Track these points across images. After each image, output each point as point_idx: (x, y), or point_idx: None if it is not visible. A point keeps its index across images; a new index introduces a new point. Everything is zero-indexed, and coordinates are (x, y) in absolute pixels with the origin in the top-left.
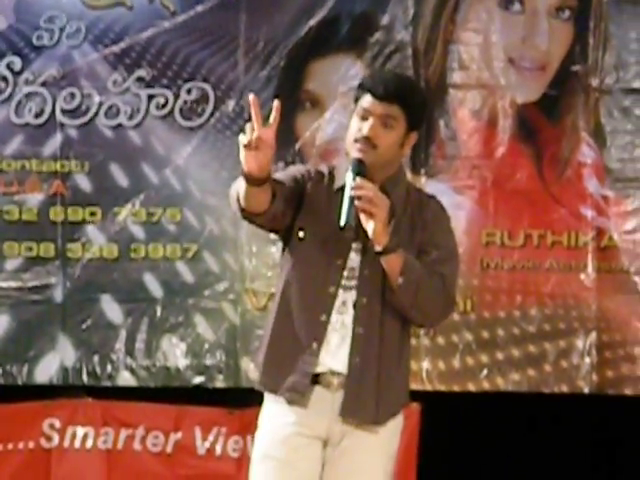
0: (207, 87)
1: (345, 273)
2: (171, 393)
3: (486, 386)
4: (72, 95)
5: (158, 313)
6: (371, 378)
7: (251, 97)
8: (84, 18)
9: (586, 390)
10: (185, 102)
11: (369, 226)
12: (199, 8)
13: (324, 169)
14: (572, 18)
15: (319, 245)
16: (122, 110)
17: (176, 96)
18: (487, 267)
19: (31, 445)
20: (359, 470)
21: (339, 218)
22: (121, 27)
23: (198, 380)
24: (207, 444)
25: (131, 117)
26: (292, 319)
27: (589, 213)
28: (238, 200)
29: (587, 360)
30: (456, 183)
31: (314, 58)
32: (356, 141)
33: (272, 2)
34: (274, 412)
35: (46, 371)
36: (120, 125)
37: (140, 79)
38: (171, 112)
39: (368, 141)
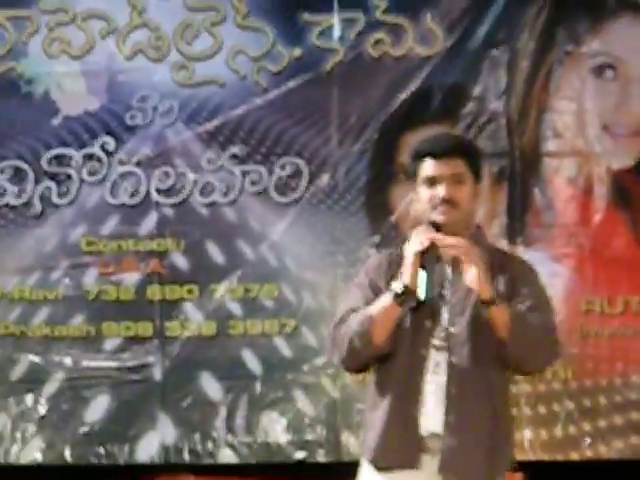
0: (301, 162)
1: (435, 333)
2: (273, 469)
3: (589, 454)
4: (166, 174)
5: (257, 389)
6: (469, 437)
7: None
8: (176, 97)
9: None
10: (279, 178)
11: (470, 275)
12: (291, 84)
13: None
14: None
15: (407, 311)
16: (217, 187)
17: (270, 172)
18: (587, 335)
19: None
20: None
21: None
22: (214, 105)
23: (300, 455)
24: None
25: (226, 194)
26: (392, 388)
27: None
28: (365, 336)
29: None
30: (553, 252)
31: (407, 130)
32: (435, 207)
33: (364, 76)
34: None
35: (147, 450)
36: (215, 202)
37: (234, 156)
38: (266, 188)
39: (449, 202)
